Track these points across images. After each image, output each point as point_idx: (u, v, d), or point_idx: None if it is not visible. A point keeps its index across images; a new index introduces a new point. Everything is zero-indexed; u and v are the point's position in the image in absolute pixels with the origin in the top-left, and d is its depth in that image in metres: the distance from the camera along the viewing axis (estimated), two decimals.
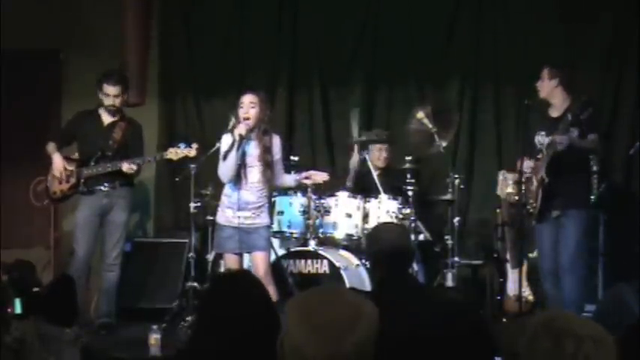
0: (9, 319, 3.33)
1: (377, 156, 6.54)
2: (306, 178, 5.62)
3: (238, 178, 5.30)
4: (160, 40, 7.62)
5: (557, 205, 5.47)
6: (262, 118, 5.32)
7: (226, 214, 5.36)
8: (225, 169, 5.30)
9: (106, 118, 6.25)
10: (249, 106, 5.29)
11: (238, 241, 5.31)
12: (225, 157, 5.28)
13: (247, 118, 5.26)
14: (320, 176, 5.68)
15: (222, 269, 6.32)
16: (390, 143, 6.59)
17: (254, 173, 5.33)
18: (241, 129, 5.23)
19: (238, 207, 5.29)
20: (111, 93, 6.14)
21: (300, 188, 5.95)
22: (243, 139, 5.24)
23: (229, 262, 5.42)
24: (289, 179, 5.61)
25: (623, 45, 6.63)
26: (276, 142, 5.43)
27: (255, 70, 7.31)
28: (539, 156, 5.44)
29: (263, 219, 5.38)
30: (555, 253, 5.57)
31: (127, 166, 6.00)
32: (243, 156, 5.27)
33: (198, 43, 7.55)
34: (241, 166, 5.28)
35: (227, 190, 5.38)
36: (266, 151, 5.33)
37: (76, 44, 7.62)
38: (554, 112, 5.56)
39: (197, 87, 7.58)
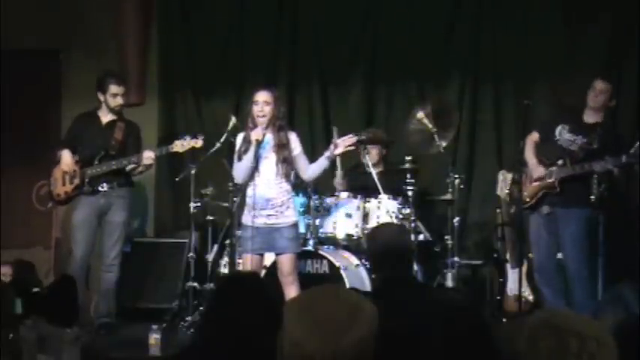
0: (10, 319, 3.33)
1: (372, 154, 6.49)
2: (335, 148, 5.26)
3: (252, 173, 5.20)
4: (160, 39, 7.62)
5: (552, 202, 5.51)
6: (277, 114, 5.26)
7: (250, 215, 5.23)
8: (240, 171, 5.25)
9: (105, 119, 6.25)
10: (263, 104, 5.20)
11: (259, 242, 5.21)
12: (240, 158, 5.26)
13: (262, 116, 5.20)
14: (348, 141, 5.30)
15: (223, 269, 6.35)
16: (381, 143, 6.55)
17: (268, 165, 5.22)
18: (258, 134, 5.16)
19: (259, 205, 5.18)
20: (119, 92, 6.16)
21: (303, 187, 5.94)
22: (261, 143, 5.19)
23: (246, 263, 5.28)
24: (319, 165, 5.34)
25: (623, 45, 6.64)
26: (293, 137, 5.33)
27: (255, 69, 7.32)
28: (560, 162, 5.54)
29: (287, 218, 5.25)
30: (550, 251, 5.60)
31: (147, 155, 6.00)
32: (258, 156, 5.18)
33: (198, 43, 7.55)
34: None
35: (248, 190, 5.27)
36: (282, 146, 5.22)
37: (76, 44, 7.62)
38: (588, 117, 5.66)
39: (197, 87, 7.57)
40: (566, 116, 5.75)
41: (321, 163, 5.36)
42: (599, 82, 5.64)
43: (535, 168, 5.65)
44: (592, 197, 5.60)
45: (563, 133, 5.63)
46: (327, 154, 5.33)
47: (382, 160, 6.57)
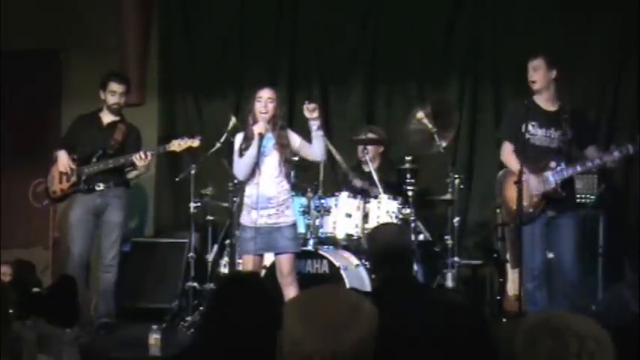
0: (10, 319, 3.33)
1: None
2: (310, 113, 5.20)
3: (253, 172, 5.20)
4: (160, 40, 7.63)
5: (552, 206, 5.34)
6: (278, 113, 5.27)
7: (251, 215, 5.22)
8: (242, 167, 5.23)
9: (106, 120, 6.27)
10: (267, 101, 5.22)
11: (259, 242, 5.19)
12: (241, 155, 5.26)
13: (265, 113, 5.21)
14: (310, 105, 5.24)
15: (223, 269, 6.35)
16: (375, 143, 6.55)
17: (270, 164, 5.23)
18: (260, 127, 5.16)
19: (260, 205, 5.16)
20: (117, 90, 6.18)
21: (300, 188, 5.96)
22: (263, 137, 5.20)
23: (247, 263, 5.26)
24: (316, 141, 5.25)
25: (624, 45, 6.63)
26: (292, 135, 5.33)
27: (255, 69, 7.32)
28: (552, 164, 5.26)
29: (287, 217, 5.25)
30: (545, 255, 5.45)
31: (139, 156, 6.01)
32: (261, 151, 5.18)
33: (198, 43, 7.56)
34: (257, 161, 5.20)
35: (247, 190, 5.27)
36: (283, 146, 5.23)
37: (76, 44, 7.64)
38: (548, 106, 5.40)
39: (197, 86, 7.58)
40: (528, 113, 5.28)
41: (316, 136, 5.26)
42: (530, 62, 5.36)
43: (530, 179, 5.25)
44: (592, 197, 5.55)
45: (536, 131, 5.34)
46: (313, 127, 5.25)
47: (379, 158, 6.58)
